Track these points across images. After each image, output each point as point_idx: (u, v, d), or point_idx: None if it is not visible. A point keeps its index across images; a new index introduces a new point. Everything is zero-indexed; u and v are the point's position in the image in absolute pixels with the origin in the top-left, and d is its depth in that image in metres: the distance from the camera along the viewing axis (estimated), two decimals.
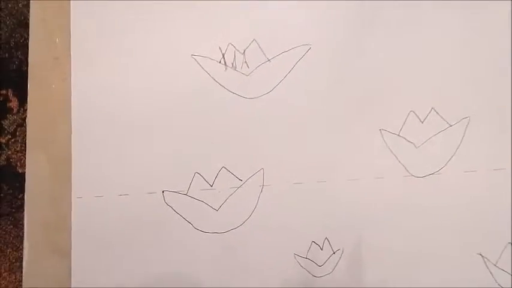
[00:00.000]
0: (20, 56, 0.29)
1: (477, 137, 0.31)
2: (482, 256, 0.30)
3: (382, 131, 0.31)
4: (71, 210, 0.27)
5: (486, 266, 0.30)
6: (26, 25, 0.29)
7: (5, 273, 0.28)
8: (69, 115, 0.28)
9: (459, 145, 0.31)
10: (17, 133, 0.29)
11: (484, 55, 0.32)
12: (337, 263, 0.29)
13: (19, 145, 0.29)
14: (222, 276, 0.28)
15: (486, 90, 0.31)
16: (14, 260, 0.28)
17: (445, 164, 0.31)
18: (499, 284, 0.30)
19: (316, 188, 0.30)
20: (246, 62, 0.30)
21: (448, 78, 0.32)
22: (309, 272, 0.29)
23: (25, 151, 0.28)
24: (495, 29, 0.32)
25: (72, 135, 0.28)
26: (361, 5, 0.31)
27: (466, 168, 0.31)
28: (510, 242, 0.30)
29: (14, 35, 0.29)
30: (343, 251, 0.29)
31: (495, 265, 0.30)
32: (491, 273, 0.30)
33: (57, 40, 0.28)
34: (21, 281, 0.27)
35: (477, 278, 0.30)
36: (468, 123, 0.31)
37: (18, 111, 0.29)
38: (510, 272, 0.30)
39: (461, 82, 0.32)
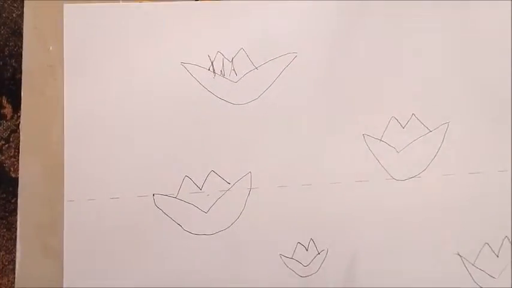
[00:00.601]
0: (14, 64, 0.30)
1: (455, 142, 0.33)
2: (460, 256, 0.32)
3: (365, 136, 0.32)
4: (63, 213, 0.28)
5: (464, 265, 0.32)
6: (19, 34, 0.30)
7: None
8: (61, 121, 0.29)
9: (438, 150, 0.33)
10: (11, 139, 0.30)
11: (463, 62, 0.33)
12: (322, 263, 0.30)
13: (13, 150, 0.29)
14: (211, 276, 0.29)
15: (464, 96, 0.33)
16: (6, 263, 0.28)
17: (425, 168, 0.32)
18: (477, 283, 0.31)
19: (301, 191, 0.31)
20: (234, 69, 0.31)
21: (428, 86, 0.33)
22: (295, 272, 0.30)
23: (18, 156, 0.29)
24: (472, 36, 0.33)
25: (64, 140, 0.29)
26: (345, 14, 0.32)
27: (444, 171, 0.32)
28: (487, 242, 0.32)
29: (8, 43, 0.30)
30: (327, 252, 0.31)
31: (473, 264, 0.32)
32: (469, 272, 0.32)
33: (51, 48, 0.29)
34: (13, 283, 0.28)
35: (456, 277, 0.31)
36: (447, 129, 0.33)
37: (12, 118, 0.30)
38: (487, 271, 0.31)
39: (441, 89, 0.33)
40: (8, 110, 0.30)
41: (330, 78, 0.32)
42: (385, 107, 0.32)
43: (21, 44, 0.30)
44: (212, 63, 0.31)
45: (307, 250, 0.30)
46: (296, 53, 0.32)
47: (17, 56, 0.30)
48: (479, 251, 0.32)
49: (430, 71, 0.33)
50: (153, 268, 0.29)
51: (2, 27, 0.30)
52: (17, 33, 0.30)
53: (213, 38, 0.31)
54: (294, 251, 0.30)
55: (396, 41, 0.33)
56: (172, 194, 0.29)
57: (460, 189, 0.32)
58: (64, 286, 0.28)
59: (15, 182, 0.29)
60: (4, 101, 0.30)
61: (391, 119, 0.32)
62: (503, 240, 0.32)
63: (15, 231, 0.28)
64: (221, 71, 0.31)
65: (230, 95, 0.31)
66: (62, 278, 0.28)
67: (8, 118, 0.30)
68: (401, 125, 0.32)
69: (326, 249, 0.31)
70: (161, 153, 0.30)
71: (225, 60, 0.31)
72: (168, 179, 0.29)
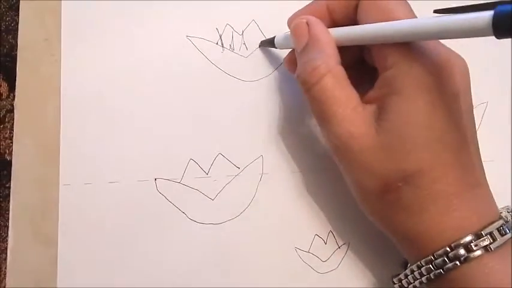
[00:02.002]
0: (10, 40, 0.28)
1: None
2: None
3: None
4: (58, 197, 0.26)
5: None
6: (17, 8, 0.28)
7: None
8: (58, 99, 0.27)
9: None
10: (6, 119, 0.28)
11: None
12: (342, 259, 0.27)
13: (8, 131, 0.28)
14: (217, 270, 0.26)
15: None
16: None
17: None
18: None
19: (319, 177, 0.28)
20: (244, 43, 0.28)
21: None
22: (312, 268, 0.27)
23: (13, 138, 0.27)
24: None
25: (60, 120, 0.27)
26: None
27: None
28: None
29: (5, 18, 0.28)
30: (349, 246, 0.27)
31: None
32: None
33: (47, 20, 0.27)
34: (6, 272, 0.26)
35: None
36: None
37: (8, 97, 0.28)
38: None
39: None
40: (3, 89, 0.28)
41: None
42: None
43: (19, 19, 0.28)
44: (220, 36, 0.28)
45: (325, 243, 0.27)
46: None
47: (14, 31, 0.28)
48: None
49: None
50: (154, 258, 0.26)
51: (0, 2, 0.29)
52: (14, 8, 0.28)
53: (221, 9, 0.28)
54: (311, 244, 0.27)
55: None
56: (176, 179, 0.27)
57: None
58: (58, 274, 0.25)
59: (9, 165, 0.27)
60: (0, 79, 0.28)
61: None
62: None
63: (8, 217, 0.26)
64: (230, 45, 0.28)
65: (240, 71, 0.28)
66: (56, 265, 0.25)
67: (3, 97, 0.28)
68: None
69: (347, 243, 0.27)
70: (164, 134, 0.27)
71: (235, 33, 0.28)
72: (172, 162, 0.27)
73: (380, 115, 0.23)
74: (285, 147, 0.28)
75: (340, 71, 0.23)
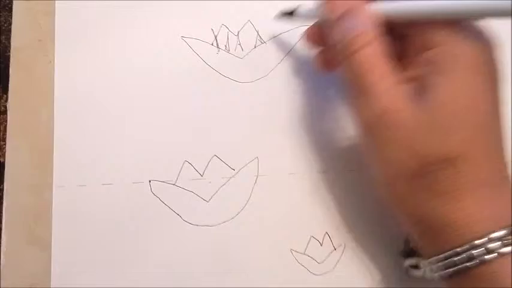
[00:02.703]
0: (3, 41, 0.28)
1: None
2: None
3: None
4: (52, 200, 0.26)
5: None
6: (10, 9, 0.28)
7: None
8: (52, 101, 0.27)
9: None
10: (0, 121, 0.28)
11: None
12: (338, 260, 0.27)
13: (1, 133, 0.27)
14: (213, 272, 0.26)
15: None
16: None
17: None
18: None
19: (316, 179, 0.27)
20: (240, 44, 0.28)
21: None
22: (308, 270, 0.27)
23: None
24: None
25: (54, 121, 0.26)
26: None
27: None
28: None
29: None
30: (345, 247, 0.27)
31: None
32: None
33: (41, 21, 0.27)
34: None
35: None
36: None
37: (0, 98, 0.28)
38: None
39: None
40: None
41: None
42: None
43: (12, 19, 0.28)
44: (216, 37, 0.28)
45: (321, 245, 0.27)
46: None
47: (7, 32, 0.28)
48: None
49: None
50: (148, 261, 0.26)
51: None
52: (7, 8, 0.28)
53: (216, 10, 0.28)
54: (307, 246, 0.27)
55: None
56: (171, 181, 0.27)
57: None
58: (52, 277, 0.25)
59: (3, 167, 0.26)
60: None
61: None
62: None
63: (1, 220, 0.26)
64: (226, 46, 0.28)
65: (236, 72, 0.28)
66: (51, 268, 0.25)
67: None
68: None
69: (343, 245, 0.27)
70: (159, 136, 0.27)
71: (230, 33, 0.28)
72: (166, 164, 0.27)
73: (421, 94, 0.22)
74: (281, 149, 0.27)
75: (382, 43, 0.22)
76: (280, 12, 0.27)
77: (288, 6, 0.27)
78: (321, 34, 0.25)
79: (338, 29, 0.23)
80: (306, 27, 0.27)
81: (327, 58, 0.26)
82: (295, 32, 0.28)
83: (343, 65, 0.23)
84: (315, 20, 0.26)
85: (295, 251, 0.27)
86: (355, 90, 0.23)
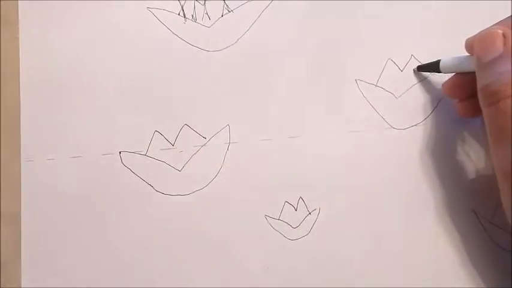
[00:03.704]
0: None
1: None
2: (475, 213, 0.28)
3: (358, 81, 0.28)
4: (20, 174, 0.25)
5: (480, 222, 0.28)
6: None
7: None
8: (17, 76, 0.26)
9: (443, 94, 0.29)
10: None
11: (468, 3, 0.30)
12: (313, 225, 0.27)
13: None
14: (187, 242, 0.26)
15: (468, 35, 0.29)
16: None
17: (428, 115, 0.29)
18: (493, 241, 0.27)
19: (287, 144, 0.27)
20: (207, 13, 0.28)
21: (429, 22, 0.29)
22: (283, 235, 0.27)
23: None
24: None
25: (20, 95, 0.26)
26: None
27: (449, 118, 0.28)
28: None
29: None
30: (319, 211, 0.27)
31: (490, 222, 0.28)
32: (485, 229, 0.27)
33: None
34: None
35: (471, 235, 0.27)
36: None
37: None
38: (504, 229, 0.27)
39: (443, 26, 0.29)
40: None
41: (315, 18, 0.29)
42: (380, 48, 0.29)
43: None
44: (182, 7, 0.28)
45: (296, 210, 0.27)
46: None
47: None
48: (495, 208, 0.28)
49: (431, 5, 0.29)
50: (121, 234, 0.26)
51: None
52: None
53: None
54: (281, 212, 0.27)
55: None
56: (141, 151, 0.26)
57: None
58: (22, 253, 0.25)
59: None
60: None
61: (388, 61, 0.29)
62: None
63: None
64: (192, 16, 0.28)
65: (203, 41, 0.28)
66: (20, 245, 0.25)
67: None
68: (400, 68, 0.29)
69: (318, 209, 0.27)
70: (128, 106, 0.27)
71: (197, 3, 0.28)
72: (136, 134, 0.26)
73: None
74: (252, 116, 0.27)
75: None
76: (418, 66, 0.28)
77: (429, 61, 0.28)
78: (461, 85, 0.26)
79: (489, 72, 0.23)
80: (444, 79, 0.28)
81: (467, 106, 0.27)
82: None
83: (487, 111, 0.23)
84: (456, 72, 0.26)
85: (270, 217, 0.27)
86: (503, 134, 0.23)
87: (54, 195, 0.25)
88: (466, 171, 0.28)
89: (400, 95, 0.29)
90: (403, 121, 0.28)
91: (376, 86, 0.28)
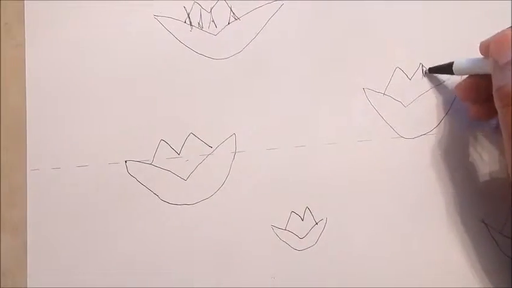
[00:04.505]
0: None
1: None
2: (485, 223, 0.27)
3: (366, 90, 0.28)
4: (25, 184, 0.25)
5: (490, 233, 0.27)
6: None
7: None
8: (23, 84, 0.26)
9: (452, 102, 0.28)
10: None
11: (474, 9, 0.29)
12: (320, 235, 0.27)
13: None
14: (192, 251, 0.26)
15: (477, 41, 0.28)
16: None
17: (437, 125, 0.28)
18: (504, 252, 0.27)
19: (294, 154, 0.27)
20: (213, 21, 0.28)
21: (438, 31, 0.29)
22: (289, 245, 0.26)
23: None
24: None
25: (26, 104, 0.26)
26: None
27: (458, 127, 0.28)
28: None
29: None
30: (326, 221, 0.27)
31: (500, 232, 0.27)
32: (495, 240, 0.27)
33: (6, 4, 0.27)
34: None
35: (480, 245, 0.27)
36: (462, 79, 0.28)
37: None
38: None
39: (452, 35, 0.29)
40: None
41: (322, 27, 0.28)
42: (388, 57, 0.28)
43: None
44: (188, 14, 0.28)
45: (302, 220, 0.27)
46: (283, 1, 0.28)
47: None
48: (506, 219, 0.27)
49: (440, 13, 0.29)
50: (127, 243, 0.25)
51: None
52: None
53: None
54: (288, 222, 0.27)
55: None
56: (147, 160, 0.26)
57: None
58: (28, 263, 0.25)
59: None
60: None
61: (396, 69, 0.28)
62: None
63: None
64: (199, 23, 0.28)
65: (210, 49, 0.28)
66: (25, 254, 0.25)
67: None
68: (408, 77, 0.28)
69: (325, 219, 0.27)
70: (134, 115, 0.27)
71: (203, 10, 0.28)
72: (142, 143, 0.26)
73: None
74: (258, 124, 0.27)
75: None
76: (429, 68, 0.28)
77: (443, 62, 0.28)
78: (475, 87, 0.26)
79: (505, 74, 0.23)
80: (280, 2, 0.27)
81: (480, 109, 0.27)
82: (269, 7, 0.28)
83: (504, 112, 0.23)
84: (470, 74, 0.26)
85: (276, 227, 0.26)
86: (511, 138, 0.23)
87: (60, 204, 0.25)
88: (475, 182, 0.28)
89: (409, 104, 0.28)
90: (411, 130, 0.28)
91: (384, 94, 0.28)
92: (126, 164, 0.26)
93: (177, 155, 0.26)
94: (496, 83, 0.23)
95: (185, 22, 0.28)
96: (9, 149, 0.26)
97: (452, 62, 0.27)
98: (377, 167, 0.27)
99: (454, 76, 0.28)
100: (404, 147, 0.28)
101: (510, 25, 0.26)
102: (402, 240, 0.27)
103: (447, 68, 0.27)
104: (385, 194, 0.27)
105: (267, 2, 0.28)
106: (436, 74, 0.28)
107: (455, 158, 0.28)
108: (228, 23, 0.28)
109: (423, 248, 0.27)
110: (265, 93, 0.28)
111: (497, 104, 0.23)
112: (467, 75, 0.27)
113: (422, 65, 0.29)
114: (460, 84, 0.27)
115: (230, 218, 0.26)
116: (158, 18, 0.28)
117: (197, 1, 0.28)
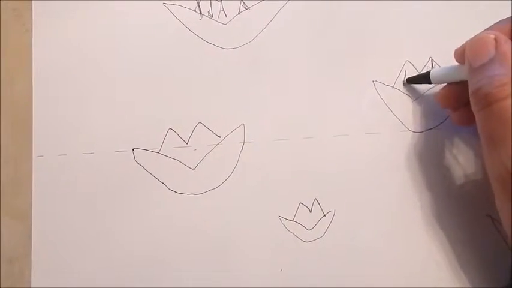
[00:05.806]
0: None
1: None
2: (491, 217, 0.27)
3: (376, 83, 0.28)
4: (31, 170, 0.25)
5: (495, 227, 0.27)
6: None
7: None
8: (30, 70, 0.26)
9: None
10: None
11: (484, 3, 0.29)
12: (328, 227, 0.26)
13: None
14: (199, 241, 0.25)
15: None
16: None
17: (446, 119, 0.28)
18: (509, 246, 0.27)
19: (302, 145, 0.27)
20: (223, 10, 0.28)
21: (447, 24, 0.29)
22: (297, 237, 0.26)
23: None
24: None
25: (33, 90, 0.26)
26: None
27: None
28: None
29: None
30: (334, 213, 0.27)
31: None
32: (500, 234, 0.27)
33: None
34: None
35: (486, 239, 0.27)
36: None
37: None
38: None
39: (462, 28, 0.29)
40: None
41: (333, 18, 0.28)
42: (398, 50, 0.28)
43: None
44: (198, 3, 0.28)
45: (310, 212, 0.27)
46: None
47: None
48: None
49: (450, 6, 0.29)
50: (133, 232, 0.25)
51: None
52: None
53: None
54: (296, 213, 0.26)
55: None
56: (155, 149, 0.26)
57: None
58: (32, 250, 0.24)
59: None
60: None
61: (405, 62, 0.28)
62: None
63: None
64: (209, 12, 0.28)
65: (219, 38, 0.27)
66: (31, 242, 0.24)
67: None
68: (417, 70, 0.28)
69: (333, 211, 0.27)
70: (142, 103, 0.26)
71: (213, 0, 0.28)
72: (150, 131, 0.26)
73: None
74: (267, 115, 0.27)
75: None
76: (407, 79, 0.28)
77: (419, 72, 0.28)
78: (453, 95, 0.26)
79: (480, 76, 0.23)
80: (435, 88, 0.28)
81: (461, 115, 0.26)
82: None
83: (480, 115, 0.23)
84: (447, 82, 0.26)
85: (284, 218, 0.26)
86: (495, 138, 0.22)
87: (65, 192, 0.25)
88: (483, 176, 0.28)
89: (418, 98, 0.28)
90: (420, 124, 0.28)
91: (393, 87, 0.28)
92: (134, 152, 0.26)
93: (185, 144, 0.26)
94: (471, 86, 0.23)
95: (195, 11, 0.27)
96: (15, 135, 0.25)
97: (429, 72, 0.27)
98: (385, 160, 0.27)
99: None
100: (412, 140, 0.28)
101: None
102: (409, 233, 0.27)
103: (425, 78, 0.27)
104: (392, 186, 0.27)
105: None
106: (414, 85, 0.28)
107: (462, 151, 0.28)
108: (238, 13, 0.28)
109: (429, 240, 0.27)
110: (274, 84, 0.27)
111: (473, 108, 0.23)
112: (445, 84, 0.26)
113: (432, 59, 0.29)
114: (438, 93, 0.27)
115: (238, 208, 0.26)
116: (168, 5, 0.27)
117: None
